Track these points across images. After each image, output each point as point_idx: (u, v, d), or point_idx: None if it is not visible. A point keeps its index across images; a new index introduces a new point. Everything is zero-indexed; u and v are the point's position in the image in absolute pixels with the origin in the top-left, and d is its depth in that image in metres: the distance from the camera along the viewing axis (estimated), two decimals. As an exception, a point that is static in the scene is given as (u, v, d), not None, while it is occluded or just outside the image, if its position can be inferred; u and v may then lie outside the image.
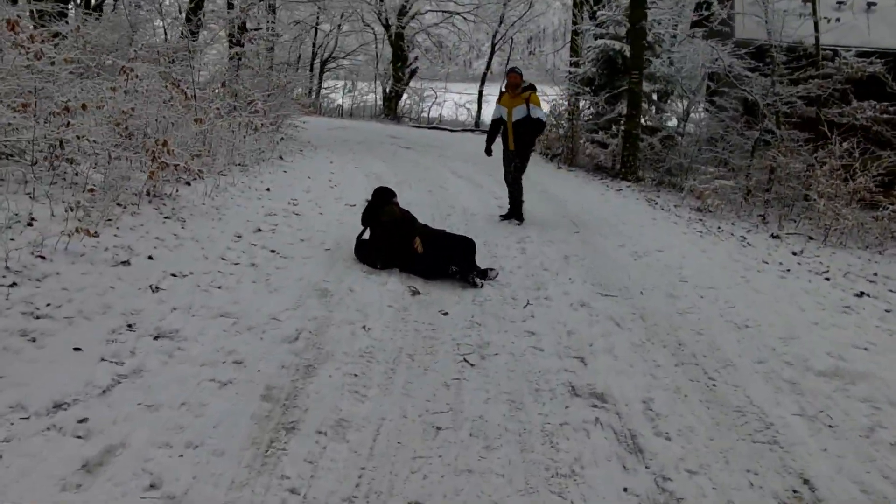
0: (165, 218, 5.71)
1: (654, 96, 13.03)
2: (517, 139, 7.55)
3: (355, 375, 3.66)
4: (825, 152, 9.27)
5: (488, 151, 7.98)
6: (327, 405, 3.29)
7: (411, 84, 26.48)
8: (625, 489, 2.88)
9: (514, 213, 7.78)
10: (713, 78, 13.56)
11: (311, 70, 28.25)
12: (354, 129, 19.15)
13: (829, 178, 8.74)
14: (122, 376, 3.22)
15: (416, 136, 18.80)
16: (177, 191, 6.44)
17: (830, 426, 3.47)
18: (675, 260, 6.42)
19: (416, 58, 26.56)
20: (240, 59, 13.69)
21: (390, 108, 25.49)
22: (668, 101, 13.59)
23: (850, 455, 3.22)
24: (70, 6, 11.69)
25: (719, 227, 8.28)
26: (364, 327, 4.35)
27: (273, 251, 5.71)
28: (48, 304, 3.63)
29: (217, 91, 9.85)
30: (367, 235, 5.91)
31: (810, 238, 8.25)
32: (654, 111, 13.00)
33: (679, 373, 4.01)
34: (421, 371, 3.85)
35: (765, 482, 2.97)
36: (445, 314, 4.80)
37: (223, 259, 5.23)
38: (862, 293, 5.73)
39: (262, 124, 9.72)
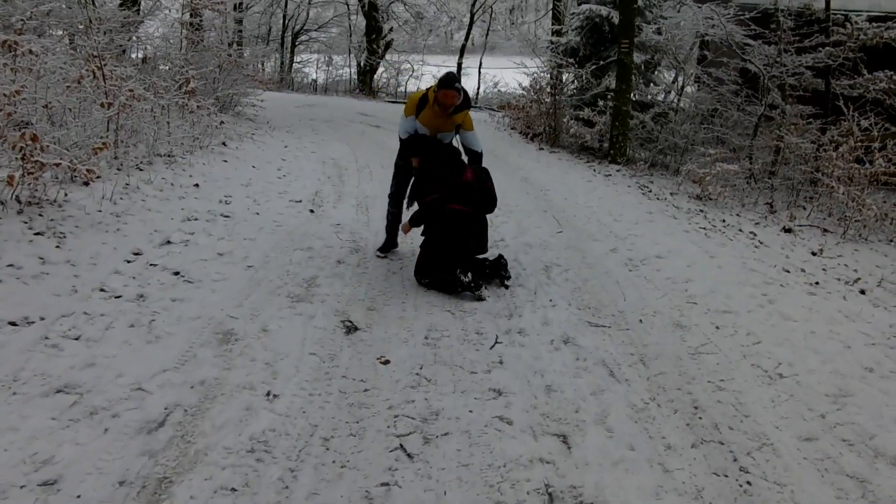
0: (36, 234, 4.47)
1: (642, 67, 11.80)
2: None
3: (233, 490, 2.51)
4: (840, 130, 8.16)
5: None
6: (169, 565, 2.14)
7: (387, 57, 25.04)
8: None
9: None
10: (707, 47, 12.36)
11: (283, 44, 26.79)
12: (323, 106, 17.82)
13: (847, 160, 7.64)
14: None
15: (390, 113, 17.43)
16: (65, 195, 5.19)
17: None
18: (679, 270, 5.28)
19: (391, 29, 25.08)
20: (195, 30, 12.32)
21: (365, 83, 24.12)
22: (656, 73, 12.37)
23: None
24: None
25: (724, 221, 7.15)
26: (268, 395, 3.18)
27: (176, 273, 4.51)
28: None
29: (137, 67, 8.52)
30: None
31: (825, 231, 7.16)
32: (643, 84, 11.78)
33: (699, 460, 2.89)
34: (336, 470, 2.70)
35: None
36: (386, 363, 3.64)
37: (101, 290, 4.02)
38: (911, 313, 4.64)
39: (197, 106, 8.41)
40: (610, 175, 9.35)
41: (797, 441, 3.03)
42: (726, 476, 2.79)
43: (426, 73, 24.79)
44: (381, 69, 24.96)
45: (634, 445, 2.96)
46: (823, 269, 5.68)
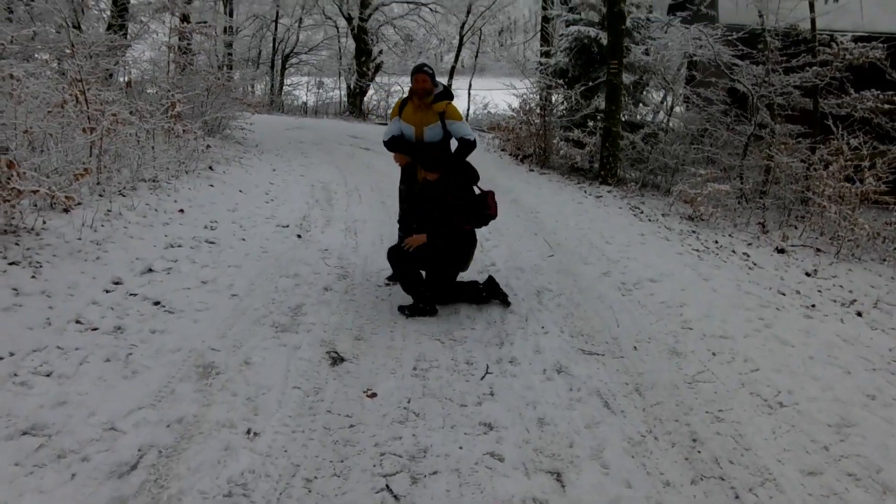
0: (10, 264, 4.33)
1: (631, 88, 11.80)
2: None
3: (208, 541, 2.36)
4: (830, 149, 8.15)
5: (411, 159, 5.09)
6: None
7: (377, 79, 25.09)
8: None
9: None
10: (695, 67, 12.42)
11: (273, 66, 26.83)
12: (313, 129, 17.75)
13: (837, 179, 7.61)
14: None
15: (380, 135, 17.35)
16: (43, 223, 5.06)
17: None
18: (673, 294, 5.18)
19: (380, 52, 25.16)
20: (183, 54, 12.24)
21: (355, 105, 24.13)
22: (645, 93, 12.40)
23: None
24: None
25: (717, 242, 7.08)
26: (248, 433, 3.04)
27: (157, 303, 4.37)
28: None
29: (122, 91, 8.43)
30: None
31: (818, 251, 7.11)
32: (632, 105, 11.78)
33: (699, 498, 2.77)
34: (318, 515, 2.56)
35: None
36: (372, 396, 3.51)
37: (77, 322, 3.88)
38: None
39: (183, 130, 8.31)
40: (601, 196, 9.29)
41: (801, 476, 2.91)
42: (728, 515, 2.67)
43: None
44: (370, 91, 25.00)
45: (631, 482, 2.84)
46: (819, 291, 5.60)
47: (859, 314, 5.03)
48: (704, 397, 3.59)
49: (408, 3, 24.97)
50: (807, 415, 3.41)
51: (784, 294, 5.37)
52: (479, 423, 3.27)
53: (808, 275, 6.17)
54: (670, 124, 11.53)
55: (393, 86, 25.34)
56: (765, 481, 2.87)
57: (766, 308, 4.95)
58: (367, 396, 3.51)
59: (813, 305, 5.14)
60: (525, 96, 12.57)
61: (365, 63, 23.99)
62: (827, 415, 3.41)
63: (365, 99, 24.65)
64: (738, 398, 3.58)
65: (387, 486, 2.76)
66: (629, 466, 2.95)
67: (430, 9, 25.01)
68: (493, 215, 4.74)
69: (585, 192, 9.61)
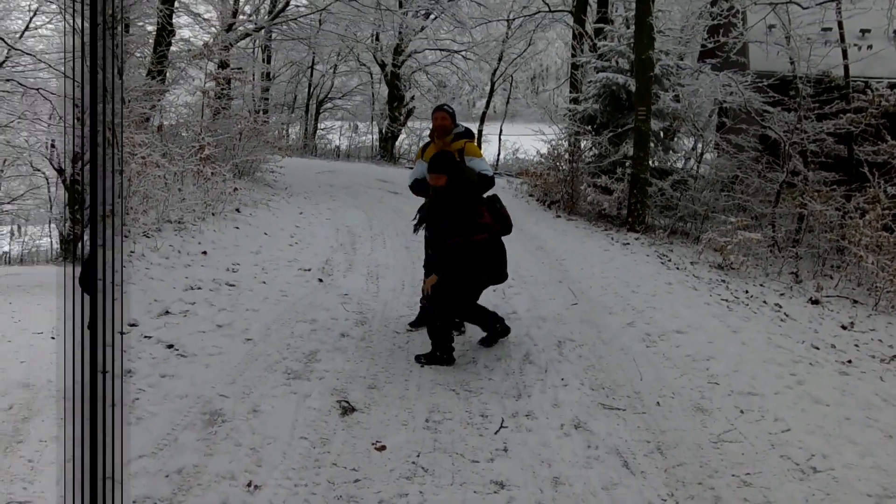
0: (29, 305, 4.37)
1: (661, 134, 11.72)
2: None
3: None
4: (866, 197, 7.92)
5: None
6: None
7: (409, 124, 25.47)
8: None
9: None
10: (726, 113, 12.31)
11: (307, 111, 27.45)
12: (344, 172, 17.94)
13: (874, 228, 7.37)
14: None
15: (408, 179, 17.52)
16: (66, 263, 5.12)
17: None
18: (700, 347, 4.97)
19: (412, 97, 25.57)
20: (218, 98, 12.57)
21: (386, 150, 24.47)
22: (675, 139, 12.29)
23: None
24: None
25: (747, 292, 6.84)
26: (249, 485, 2.94)
27: (170, 346, 4.34)
28: None
29: (153, 134, 8.63)
30: None
31: (855, 302, 6.83)
32: (661, 151, 11.68)
33: (723, 572, 2.57)
34: (314, 579, 2.43)
35: None
36: (381, 448, 3.39)
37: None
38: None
39: (212, 172, 8.45)
40: (628, 243, 9.12)
41: (835, 551, 2.70)
42: (755, 593, 2.46)
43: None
44: (402, 136, 25.36)
45: (650, 553, 2.65)
46: (856, 345, 5.34)
47: (900, 371, 4.76)
48: (731, 459, 3.38)
49: (440, 50, 25.42)
50: (843, 483, 3.19)
51: (818, 348, 5.13)
52: (490, 482, 3.12)
53: (844, 328, 5.91)
54: (700, 171, 11.38)
55: (424, 130, 25.69)
56: (795, 556, 2.66)
57: (798, 363, 4.72)
58: (376, 449, 3.39)
59: (849, 361, 4.88)
60: (554, 142, 12.56)
61: (397, 108, 24.38)
62: (866, 484, 3.18)
63: (396, 143, 25.00)
64: (767, 461, 3.37)
65: (388, 548, 2.62)
66: (648, 534, 2.77)
67: (463, 56, 25.40)
68: (490, 224, 4.54)
69: (612, 239, 9.46)
